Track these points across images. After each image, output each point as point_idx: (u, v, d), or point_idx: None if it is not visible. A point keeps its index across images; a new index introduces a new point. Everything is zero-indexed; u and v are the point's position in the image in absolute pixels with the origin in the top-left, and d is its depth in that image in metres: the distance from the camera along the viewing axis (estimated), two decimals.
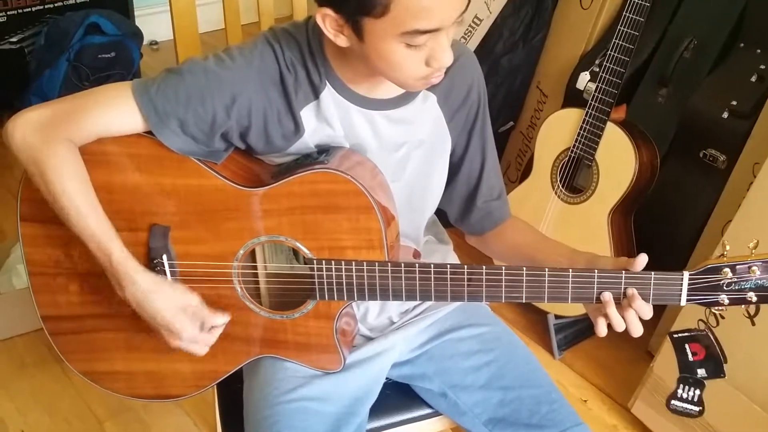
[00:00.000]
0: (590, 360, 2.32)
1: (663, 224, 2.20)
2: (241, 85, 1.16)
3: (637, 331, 1.15)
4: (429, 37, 1.05)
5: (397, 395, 1.42)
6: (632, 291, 1.13)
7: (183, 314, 1.19)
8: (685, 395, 1.28)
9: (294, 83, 1.19)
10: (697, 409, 1.28)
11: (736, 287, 1.10)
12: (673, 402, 1.28)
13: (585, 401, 2.19)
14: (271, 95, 1.19)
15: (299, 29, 1.20)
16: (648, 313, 1.14)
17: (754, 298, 1.11)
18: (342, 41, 1.11)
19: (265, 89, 1.18)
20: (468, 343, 1.38)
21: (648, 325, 2.47)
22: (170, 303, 1.19)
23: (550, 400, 1.31)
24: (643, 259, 1.14)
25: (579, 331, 2.36)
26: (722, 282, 1.10)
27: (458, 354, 1.37)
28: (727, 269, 1.09)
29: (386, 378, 1.38)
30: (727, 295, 1.11)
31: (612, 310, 1.14)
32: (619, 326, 1.15)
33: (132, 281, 1.18)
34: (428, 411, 1.42)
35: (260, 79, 1.17)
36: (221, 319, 1.23)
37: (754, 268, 1.08)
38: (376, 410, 1.35)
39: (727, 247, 1.11)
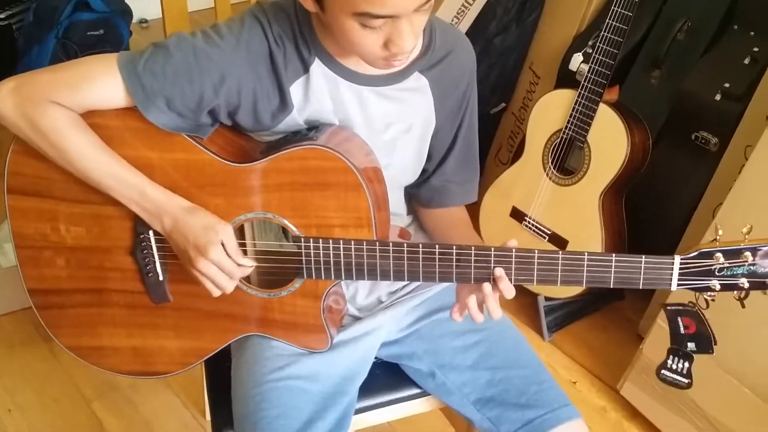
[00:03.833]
0: (580, 342, 2.33)
1: (654, 206, 2.20)
2: (231, 64, 1.14)
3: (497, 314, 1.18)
4: (385, 22, 1.03)
5: (386, 375, 1.42)
6: (500, 272, 1.14)
7: (214, 233, 1.16)
8: (674, 366, 1.28)
9: (283, 59, 1.17)
10: (686, 381, 1.28)
11: (728, 273, 1.08)
12: (663, 372, 1.28)
13: (574, 383, 2.19)
14: (261, 73, 1.17)
15: (287, 1, 1.18)
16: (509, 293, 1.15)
17: (747, 284, 1.08)
18: (309, 6, 1.09)
19: (254, 67, 1.16)
20: (457, 323, 1.37)
21: (638, 307, 2.49)
22: (207, 220, 1.17)
23: (538, 380, 1.31)
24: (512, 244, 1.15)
25: (569, 313, 2.36)
26: (714, 267, 1.08)
27: (447, 333, 1.36)
28: (719, 254, 1.07)
29: (375, 357, 1.37)
30: (718, 280, 1.09)
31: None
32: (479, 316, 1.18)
33: (171, 202, 1.18)
34: (417, 391, 1.42)
35: (249, 57, 1.16)
36: (248, 261, 1.20)
37: (747, 253, 1.06)
38: (365, 390, 1.35)
39: (720, 232, 1.08)
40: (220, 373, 1.39)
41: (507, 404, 1.29)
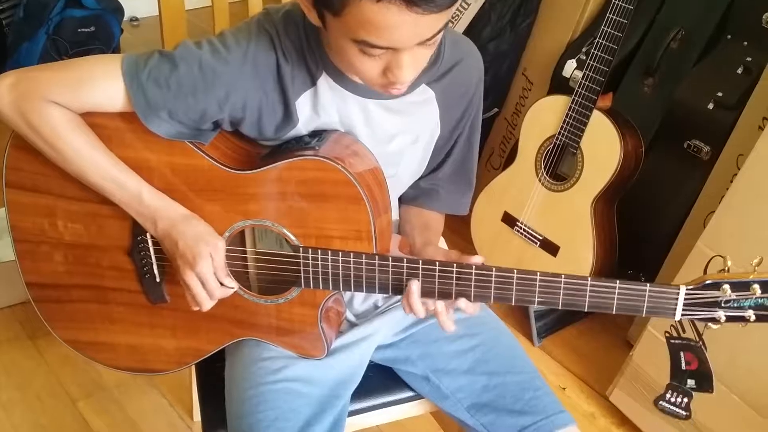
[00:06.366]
0: (569, 348, 2.33)
1: (646, 214, 2.20)
2: (237, 79, 1.13)
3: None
4: (385, 51, 1.02)
5: (380, 378, 1.41)
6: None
7: (205, 246, 1.15)
8: (673, 400, 1.26)
9: (291, 72, 1.15)
10: (684, 413, 1.26)
11: (735, 305, 1.05)
12: (661, 402, 1.26)
13: (564, 389, 2.20)
14: (267, 88, 1.15)
15: (297, 10, 1.15)
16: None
17: (753, 317, 1.05)
18: (314, 20, 1.07)
19: (260, 82, 1.14)
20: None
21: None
22: (200, 230, 1.17)
23: (533, 386, 1.31)
24: (477, 260, 1.13)
25: (559, 318, 2.36)
26: (721, 299, 1.05)
27: (442, 338, 1.35)
28: (726, 286, 1.04)
29: (369, 360, 1.36)
30: (724, 312, 1.06)
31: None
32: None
33: (168, 209, 1.17)
34: (410, 394, 1.41)
35: (256, 72, 1.14)
36: (231, 282, 1.19)
37: (756, 286, 1.03)
38: (358, 392, 1.34)
39: (729, 263, 1.05)
40: (210, 373, 1.38)
41: (502, 410, 1.28)
